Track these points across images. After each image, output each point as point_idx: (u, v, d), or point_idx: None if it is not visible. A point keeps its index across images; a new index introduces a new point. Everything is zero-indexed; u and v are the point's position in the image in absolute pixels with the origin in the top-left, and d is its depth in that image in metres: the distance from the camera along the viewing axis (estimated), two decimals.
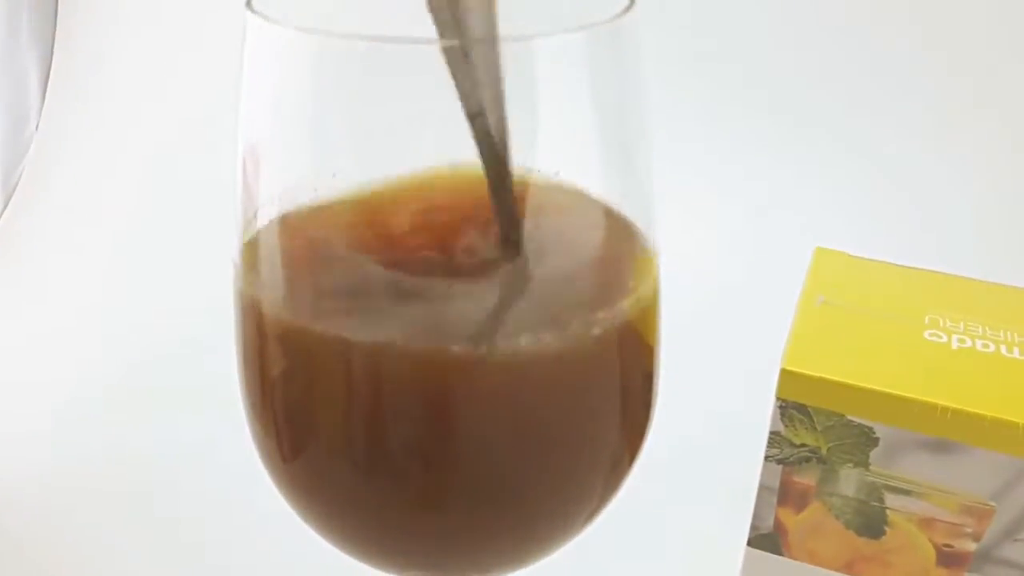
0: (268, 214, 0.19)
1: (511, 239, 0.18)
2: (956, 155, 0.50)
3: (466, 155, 0.21)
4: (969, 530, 0.24)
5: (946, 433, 0.23)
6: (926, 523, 0.24)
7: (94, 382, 0.48)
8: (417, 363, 0.16)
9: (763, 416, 0.25)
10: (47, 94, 0.65)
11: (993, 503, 0.23)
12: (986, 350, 0.25)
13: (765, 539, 0.26)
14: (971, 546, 0.24)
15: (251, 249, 0.19)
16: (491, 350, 0.16)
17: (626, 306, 0.18)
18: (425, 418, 0.16)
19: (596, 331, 0.17)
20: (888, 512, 0.24)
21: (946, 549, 0.24)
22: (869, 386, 0.23)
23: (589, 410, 0.18)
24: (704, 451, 0.39)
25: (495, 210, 0.18)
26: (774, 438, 0.25)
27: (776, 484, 0.25)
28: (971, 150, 0.50)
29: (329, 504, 0.19)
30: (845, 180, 0.51)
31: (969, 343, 0.25)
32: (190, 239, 0.54)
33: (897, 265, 0.29)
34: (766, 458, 0.25)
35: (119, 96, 0.63)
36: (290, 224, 0.19)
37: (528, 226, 0.18)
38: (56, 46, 0.65)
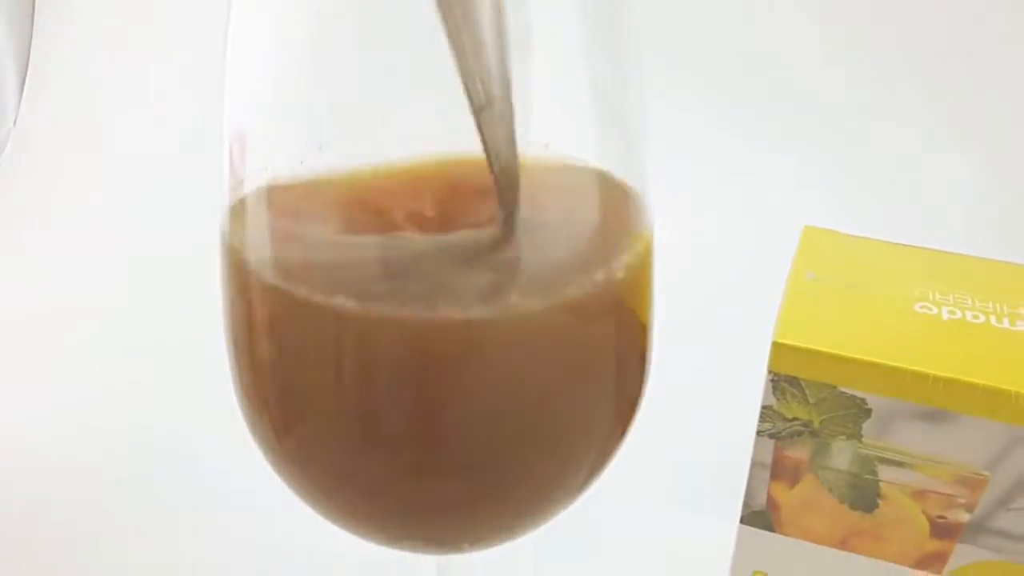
0: (255, 182, 0.19)
1: (509, 220, 0.18)
2: (943, 137, 0.51)
3: (460, 127, 0.21)
4: (963, 500, 0.24)
5: (939, 402, 0.23)
6: (919, 495, 0.24)
7: (75, 377, 0.48)
8: (408, 324, 0.16)
9: (755, 394, 0.25)
10: (24, 90, 0.64)
11: (987, 472, 0.23)
12: (976, 321, 0.24)
13: (758, 516, 0.26)
14: (964, 517, 0.24)
15: (238, 216, 0.19)
16: (481, 313, 0.16)
17: (619, 273, 0.18)
18: (418, 380, 0.16)
19: (588, 296, 0.17)
20: (881, 485, 0.24)
21: (939, 521, 0.24)
22: (861, 357, 0.23)
23: (580, 376, 0.18)
24: (696, 428, 0.39)
25: (496, 192, 0.17)
26: (766, 412, 0.25)
27: (769, 460, 0.25)
28: (957, 134, 0.50)
29: (321, 474, 0.18)
30: (835, 162, 0.51)
31: (959, 315, 0.25)
32: (172, 233, 0.53)
33: (885, 242, 0.29)
34: (758, 433, 0.25)
35: (97, 91, 0.63)
36: (278, 189, 0.18)
37: (522, 194, 0.18)
38: (34, 41, 0.64)
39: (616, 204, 0.19)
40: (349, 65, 0.19)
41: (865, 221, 0.31)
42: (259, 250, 0.18)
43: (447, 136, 0.20)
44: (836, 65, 0.53)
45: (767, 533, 0.26)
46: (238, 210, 0.19)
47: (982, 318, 0.25)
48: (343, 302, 0.16)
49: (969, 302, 0.25)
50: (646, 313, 0.20)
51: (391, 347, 0.16)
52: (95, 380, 0.47)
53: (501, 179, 0.17)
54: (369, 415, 0.17)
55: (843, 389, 0.23)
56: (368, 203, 0.19)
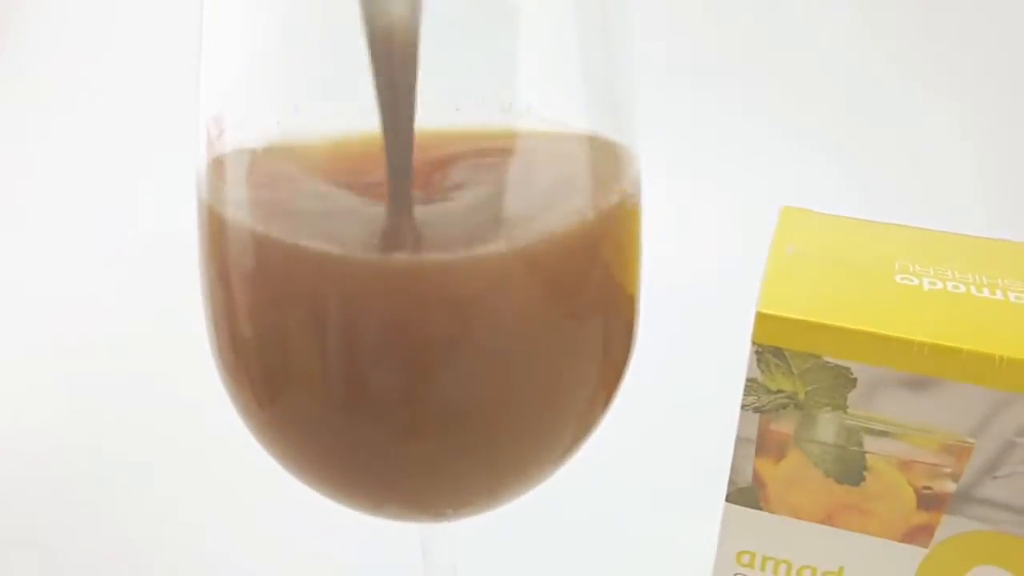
0: (232, 145, 0.19)
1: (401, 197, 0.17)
2: (934, 117, 0.51)
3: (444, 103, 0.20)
4: (948, 470, 0.23)
5: (924, 369, 0.22)
6: (905, 466, 0.24)
7: (51, 367, 0.47)
8: (389, 272, 0.15)
9: (739, 371, 0.24)
10: None
11: (972, 439, 0.23)
12: (957, 291, 0.25)
13: (744, 493, 0.26)
14: (951, 487, 0.24)
15: (216, 177, 0.18)
16: (462, 254, 0.16)
17: (602, 220, 0.17)
18: (399, 327, 0.16)
19: (571, 239, 0.17)
20: (867, 456, 0.24)
21: (926, 492, 0.24)
22: (846, 325, 0.23)
23: (564, 327, 0.17)
24: (680, 405, 0.39)
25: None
26: (751, 385, 0.24)
27: (754, 434, 0.25)
28: (950, 117, 0.51)
29: (304, 438, 0.18)
30: (818, 143, 0.52)
31: (940, 285, 0.25)
32: (144, 229, 0.52)
33: (862, 220, 0.29)
34: (743, 407, 0.25)
35: (58, 85, 0.62)
36: (256, 151, 0.18)
37: (506, 151, 0.18)
38: None
39: (601, 160, 0.19)
40: (323, 37, 0.18)
41: (850, 200, 0.31)
42: (237, 206, 0.17)
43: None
44: (829, 43, 0.53)
45: (753, 511, 0.26)
46: (216, 171, 0.18)
47: (963, 288, 0.25)
48: (322, 248, 0.15)
49: (950, 274, 0.25)
50: (632, 275, 0.20)
51: (371, 293, 0.15)
52: (70, 370, 0.46)
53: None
54: (349, 367, 0.16)
55: (828, 359, 0.23)
56: (347, 162, 0.18)
